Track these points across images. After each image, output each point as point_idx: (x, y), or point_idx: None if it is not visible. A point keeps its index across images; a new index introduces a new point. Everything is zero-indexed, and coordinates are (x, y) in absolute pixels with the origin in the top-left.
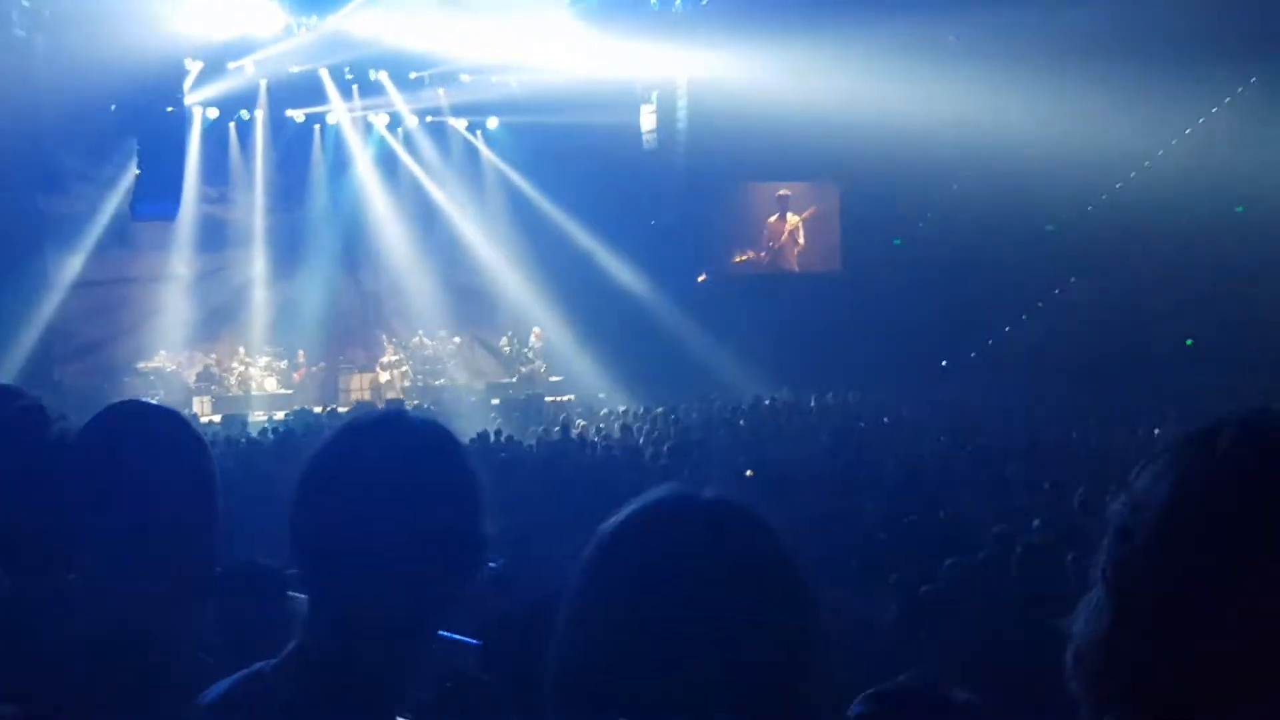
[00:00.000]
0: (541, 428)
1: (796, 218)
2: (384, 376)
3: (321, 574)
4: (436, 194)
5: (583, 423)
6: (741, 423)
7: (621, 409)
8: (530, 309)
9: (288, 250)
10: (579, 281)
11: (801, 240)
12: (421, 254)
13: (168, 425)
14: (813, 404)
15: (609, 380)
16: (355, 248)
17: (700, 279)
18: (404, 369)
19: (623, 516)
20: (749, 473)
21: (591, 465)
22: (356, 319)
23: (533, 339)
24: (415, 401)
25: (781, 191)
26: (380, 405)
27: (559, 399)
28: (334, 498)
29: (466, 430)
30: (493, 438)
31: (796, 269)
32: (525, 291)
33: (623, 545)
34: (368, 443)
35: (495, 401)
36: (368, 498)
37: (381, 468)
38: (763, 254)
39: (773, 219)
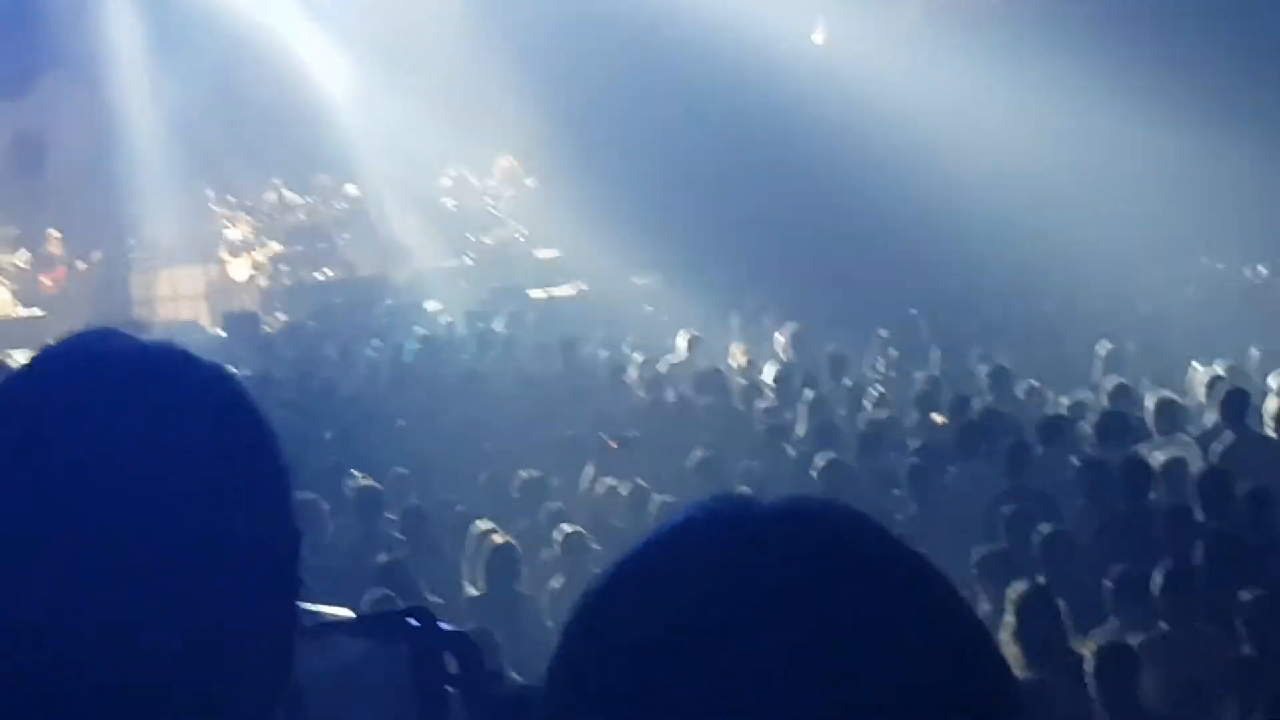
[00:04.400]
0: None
1: None
2: (238, 269)
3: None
4: None
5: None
6: None
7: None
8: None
9: (10, 40)
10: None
11: None
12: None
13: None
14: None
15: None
16: (138, 32)
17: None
18: (267, 252)
19: (649, 545)
20: None
21: None
22: (158, 164)
23: (501, 174)
24: (280, 317)
25: None
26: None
27: (554, 294)
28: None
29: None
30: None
31: None
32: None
33: (649, 595)
34: (70, 401)
35: (434, 307)
36: (73, 501)
37: (103, 444)
38: None
39: None
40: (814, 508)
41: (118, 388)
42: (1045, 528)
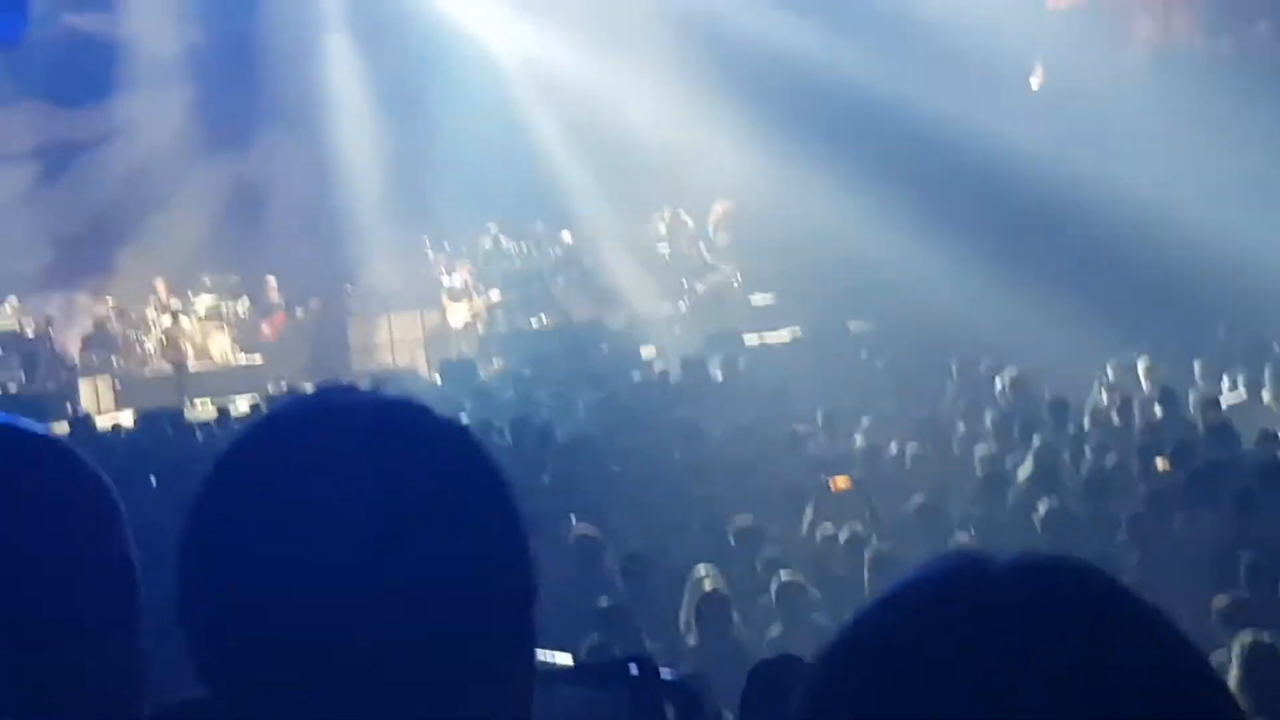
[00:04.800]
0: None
1: None
2: (456, 315)
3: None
4: None
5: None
6: None
7: None
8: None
9: (231, 95)
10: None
11: None
12: (479, 83)
13: (40, 461)
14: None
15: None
16: (355, 83)
17: None
18: (486, 300)
19: (884, 606)
20: None
21: None
22: (370, 213)
23: (716, 219)
24: (497, 364)
25: None
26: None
27: (768, 340)
28: (249, 557)
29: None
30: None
31: None
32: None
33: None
34: (312, 454)
35: (649, 352)
36: (321, 552)
37: (348, 497)
38: None
39: None
40: (1047, 563)
41: (359, 442)
42: None
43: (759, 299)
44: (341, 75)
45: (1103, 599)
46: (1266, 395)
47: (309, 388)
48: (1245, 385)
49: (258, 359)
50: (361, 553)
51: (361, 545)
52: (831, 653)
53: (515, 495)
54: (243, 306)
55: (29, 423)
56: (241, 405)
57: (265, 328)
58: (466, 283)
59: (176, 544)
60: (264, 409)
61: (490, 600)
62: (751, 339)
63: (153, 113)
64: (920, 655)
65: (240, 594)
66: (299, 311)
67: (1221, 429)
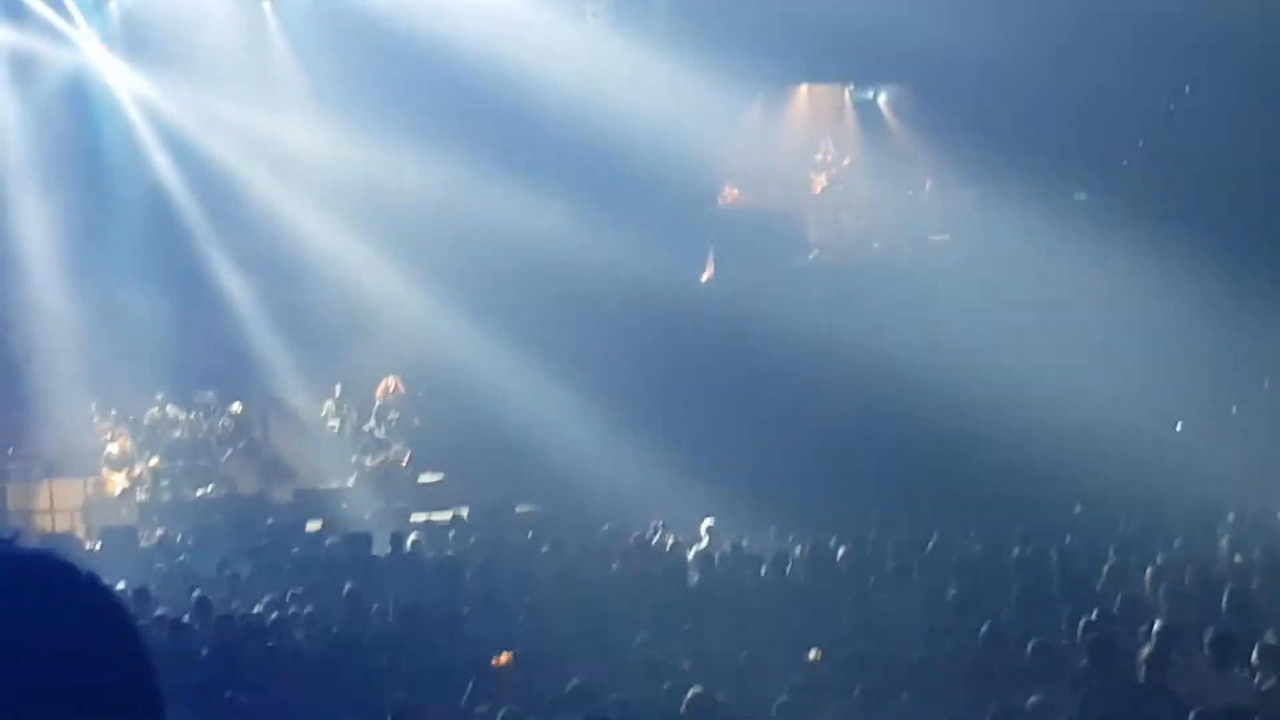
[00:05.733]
0: None
1: None
2: (114, 483)
3: None
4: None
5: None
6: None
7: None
8: (381, 345)
9: None
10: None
11: None
12: (155, 247)
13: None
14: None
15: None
16: (19, 238)
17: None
18: (147, 468)
19: None
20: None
21: None
22: (36, 376)
23: (384, 396)
24: (159, 533)
25: None
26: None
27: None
28: None
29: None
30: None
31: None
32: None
33: None
34: None
35: (314, 526)
36: None
37: None
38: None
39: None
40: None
41: None
42: None
43: (427, 478)
44: (5, 229)
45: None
46: None
47: None
48: None
49: None
50: None
51: None
52: None
53: (151, 656)
54: None
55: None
56: None
57: None
58: (125, 451)
59: None
60: None
61: None
62: (419, 517)
63: None
64: None
65: None
66: None
67: None
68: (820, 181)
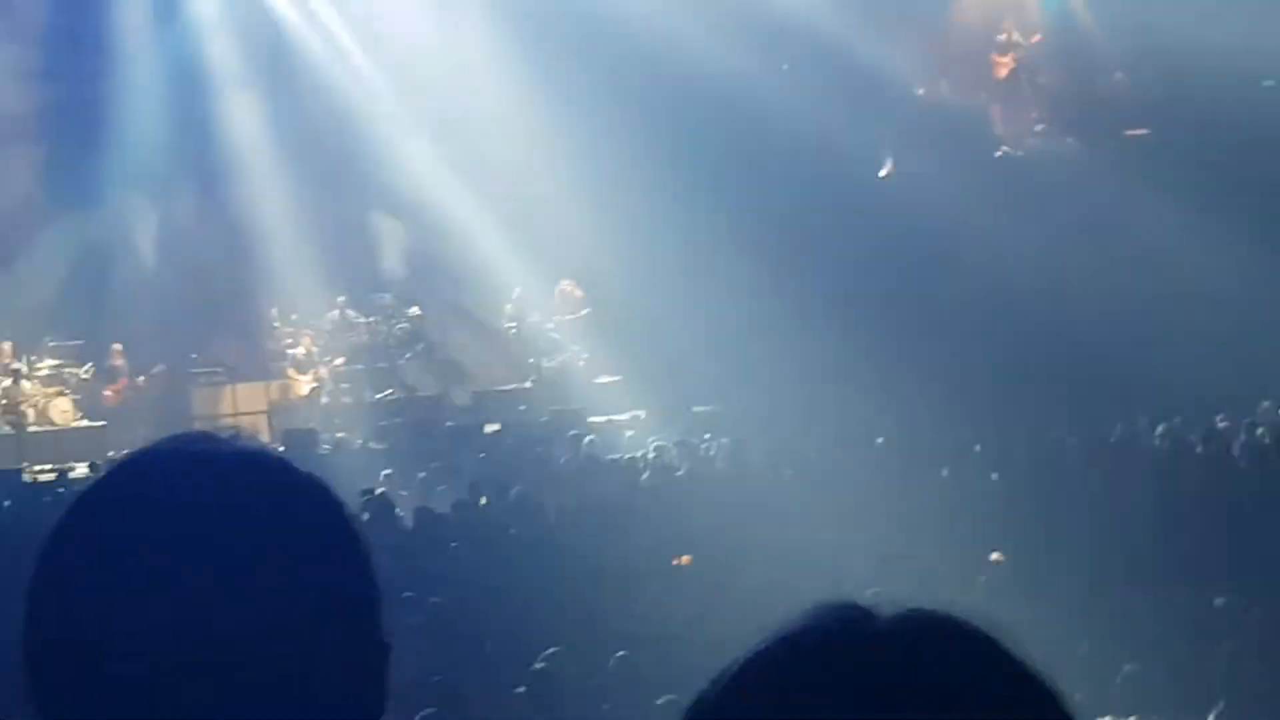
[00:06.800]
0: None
1: None
2: (300, 386)
3: None
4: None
5: None
6: None
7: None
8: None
9: (81, 156)
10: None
11: None
12: (335, 157)
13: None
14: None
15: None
16: (209, 149)
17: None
18: (330, 371)
19: (767, 652)
20: None
21: None
22: (216, 280)
23: (563, 298)
24: (340, 435)
25: None
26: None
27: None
28: (98, 599)
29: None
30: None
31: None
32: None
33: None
34: (170, 499)
35: (493, 429)
36: (176, 597)
37: (204, 541)
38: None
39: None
40: (932, 620)
41: (216, 488)
42: None
43: (604, 379)
44: (193, 141)
45: (985, 659)
46: None
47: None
48: None
49: (99, 424)
50: (215, 600)
51: (215, 592)
52: (709, 701)
53: (367, 542)
54: (86, 371)
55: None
56: (81, 470)
57: (108, 393)
58: (311, 354)
59: (27, 588)
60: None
61: (337, 660)
62: (596, 418)
63: (0, 172)
64: (801, 707)
65: (92, 635)
66: (142, 379)
67: None
68: (1005, 63)
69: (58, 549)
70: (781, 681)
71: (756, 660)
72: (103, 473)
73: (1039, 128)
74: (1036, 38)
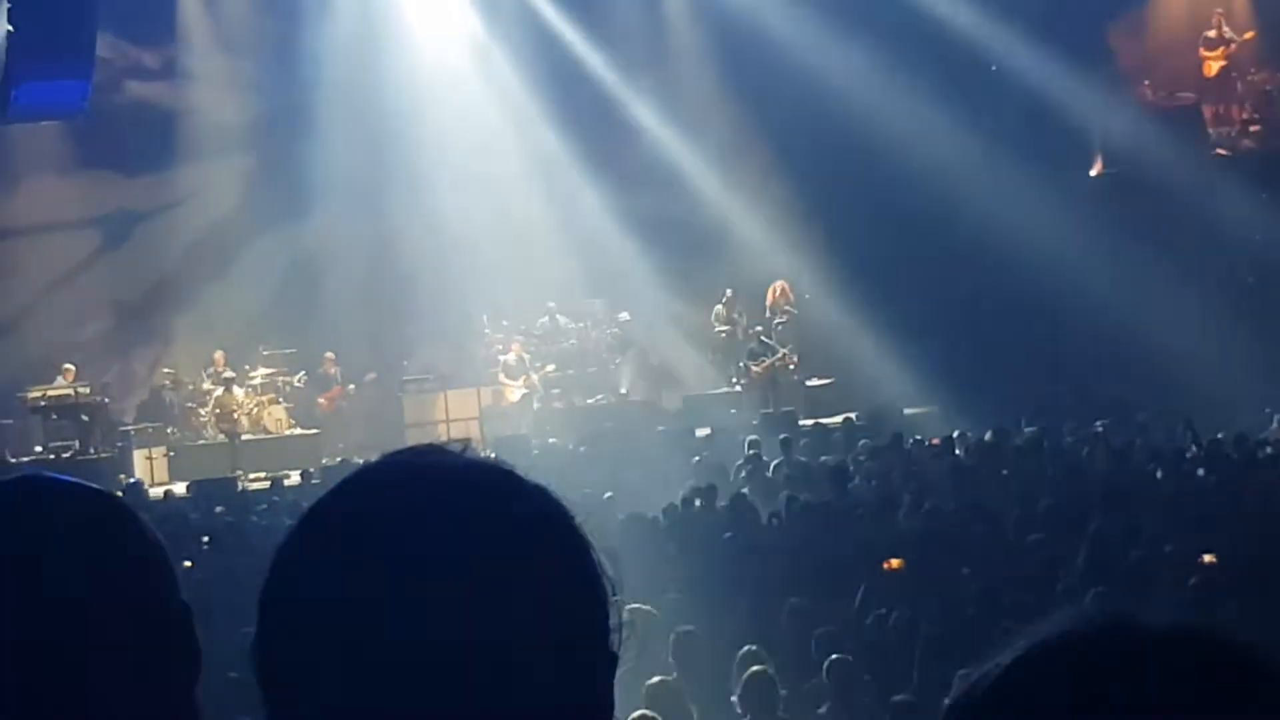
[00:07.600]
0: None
1: None
2: (511, 392)
3: None
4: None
5: None
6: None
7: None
8: (765, 252)
9: (292, 165)
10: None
11: None
12: (543, 162)
13: (93, 520)
14: None
15: (925, 381)
16: (417, 157)
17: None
18: (541, 377)
19: (1026, 659)
20: None
21: None
22: (429, 289)
23: (773, 301)
24: (551, 441)
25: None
26: (480, 449)
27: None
28: (333, 610)
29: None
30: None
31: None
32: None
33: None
34: (402, 511)
35: (704, 433)
36: (407, 610)
37: (435, 554)
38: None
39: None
40: (1202, 634)
41: (448, 501)
42: None
43: (815, 382)
44: (402, 149)
45: (1256, 676)
46: None
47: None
48: None
49: (312, 432)
50: (447, 610)
51: (447, 603)
52: (971, 699)
53: (596, 557)
54: (299, 379)
55: (71, 479)
56: (294, 478)
57: (321, 401)
58: (522, 360)
59: (260, 595)
60: (317, 482)
61: (568, 669)
62: (806, 422)
63: (214, 182)
64: (1059, 711)
65: (323, 646)
66: (354, 386)
67: None
68: (1215, 59)
69: (291, 560)
70: (1056, 687)
71: (1025, 663)
72: (336, 485)
73: (1253, 128)
74: (1250, 34)
